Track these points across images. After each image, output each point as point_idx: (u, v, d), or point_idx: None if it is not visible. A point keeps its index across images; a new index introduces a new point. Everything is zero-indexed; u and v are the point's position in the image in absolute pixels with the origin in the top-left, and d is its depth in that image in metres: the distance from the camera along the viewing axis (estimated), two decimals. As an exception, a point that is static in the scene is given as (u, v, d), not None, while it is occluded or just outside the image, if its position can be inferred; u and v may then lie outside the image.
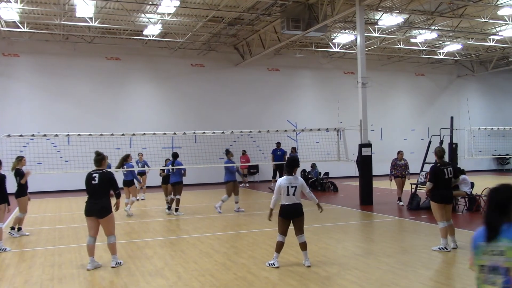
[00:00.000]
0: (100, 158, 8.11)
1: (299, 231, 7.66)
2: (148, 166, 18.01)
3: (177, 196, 14.08)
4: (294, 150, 21.56)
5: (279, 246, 7.69)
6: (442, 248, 8.58)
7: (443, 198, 8.72)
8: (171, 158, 14.46)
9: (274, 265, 7.65)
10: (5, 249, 9.43)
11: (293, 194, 7.53)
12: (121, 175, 14.16)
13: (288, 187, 7.53)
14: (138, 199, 14.90)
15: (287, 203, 7.56)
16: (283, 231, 7.66)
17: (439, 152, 8.98)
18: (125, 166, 14.05)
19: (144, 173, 18.10)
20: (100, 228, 7.97)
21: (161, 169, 15.63)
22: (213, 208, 14.51)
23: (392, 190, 16.71)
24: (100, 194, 7.83)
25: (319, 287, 6.64)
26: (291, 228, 7.69)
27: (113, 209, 8.00)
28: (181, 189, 14.15)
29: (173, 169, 13.97)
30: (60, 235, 11.12)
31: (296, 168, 7.86)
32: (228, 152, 14.97)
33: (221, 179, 24.63)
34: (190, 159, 20.40)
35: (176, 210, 14.05)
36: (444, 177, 8.71)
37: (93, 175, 7.89)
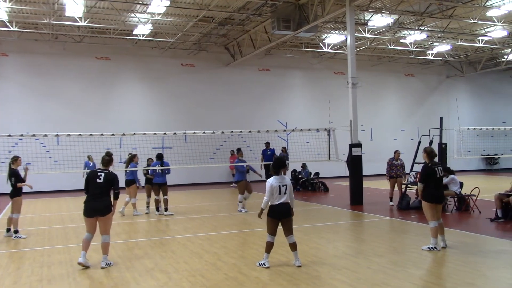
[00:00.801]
0: (110, 159, 8.24)
1: (288, 231, 7.67)
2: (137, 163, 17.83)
3: (165, 197, 14.05)
4: (284, 150, 21.58)
5: (269, 246, 7.69)
6: (432, 247, 8.62)
7: (434, 198, 8.75)
8: (154, 159, 14.33)
9: (265, 265, 7.65)
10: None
11: (285, 193, 7.57)
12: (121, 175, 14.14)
13: (279, 186, 7.55)
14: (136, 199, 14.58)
15: (277, 203, 7.56)
16: (272, 231, 7.66)
17: (432, 153, 8.96)
18: (129, 166, 14.20)
19: None
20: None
21: (144, 170, 14.74)
22: (203, 209, 14.47)
23: (382, 190, 16.76)
24: (103, 193, 7.92)
25: (310, 287, 6.65)
26: (281, 228, 7.69)
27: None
28: (167, 189, 14.15)
29: (161, 169, 13.90)
30: (49, 236, 11.03)
31: (283, 168, 7.87)
32: (238, 151, 14.75)
33: (211, 179, 25.03)
34: (181, 159, 20.34)
35: (166, 210, 14.01)
36: (436, 176, 8.75)
37: (99, 173, 7.98)
